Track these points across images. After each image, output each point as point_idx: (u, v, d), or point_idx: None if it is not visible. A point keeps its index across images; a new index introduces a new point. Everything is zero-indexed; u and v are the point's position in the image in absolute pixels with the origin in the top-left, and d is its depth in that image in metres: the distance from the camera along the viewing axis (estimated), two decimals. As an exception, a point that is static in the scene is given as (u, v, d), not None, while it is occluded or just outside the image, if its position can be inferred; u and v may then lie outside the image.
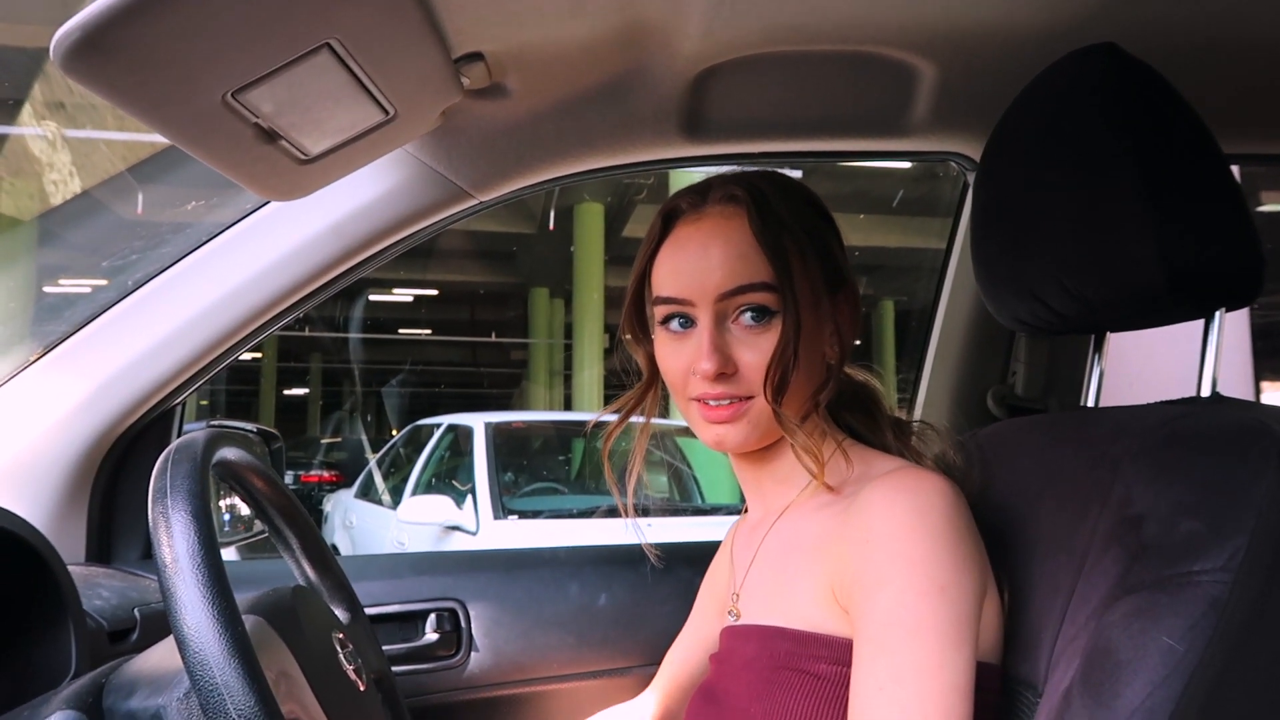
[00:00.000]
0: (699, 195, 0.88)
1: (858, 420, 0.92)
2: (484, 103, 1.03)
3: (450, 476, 5.79)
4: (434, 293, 16.96)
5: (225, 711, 0.53)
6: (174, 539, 0.58)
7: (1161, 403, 0.79)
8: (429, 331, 19.97)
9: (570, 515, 4.84)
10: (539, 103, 1.07)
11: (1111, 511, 0.70)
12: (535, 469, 5.66)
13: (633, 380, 0.97)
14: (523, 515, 4.86)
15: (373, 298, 16.23)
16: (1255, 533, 0.61)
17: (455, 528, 4.78)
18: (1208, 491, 0.65)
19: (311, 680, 0.71)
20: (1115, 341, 0.98)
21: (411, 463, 6.37)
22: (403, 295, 16.85)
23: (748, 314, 0.83)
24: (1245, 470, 0.64)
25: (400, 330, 19.41)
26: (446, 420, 6.42)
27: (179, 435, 1.24)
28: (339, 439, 16.39)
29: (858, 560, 0.75)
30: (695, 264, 0.84)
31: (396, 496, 6.03)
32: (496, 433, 5.53)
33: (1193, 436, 0.69)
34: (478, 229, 12.76)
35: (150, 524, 0.60)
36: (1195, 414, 0.72)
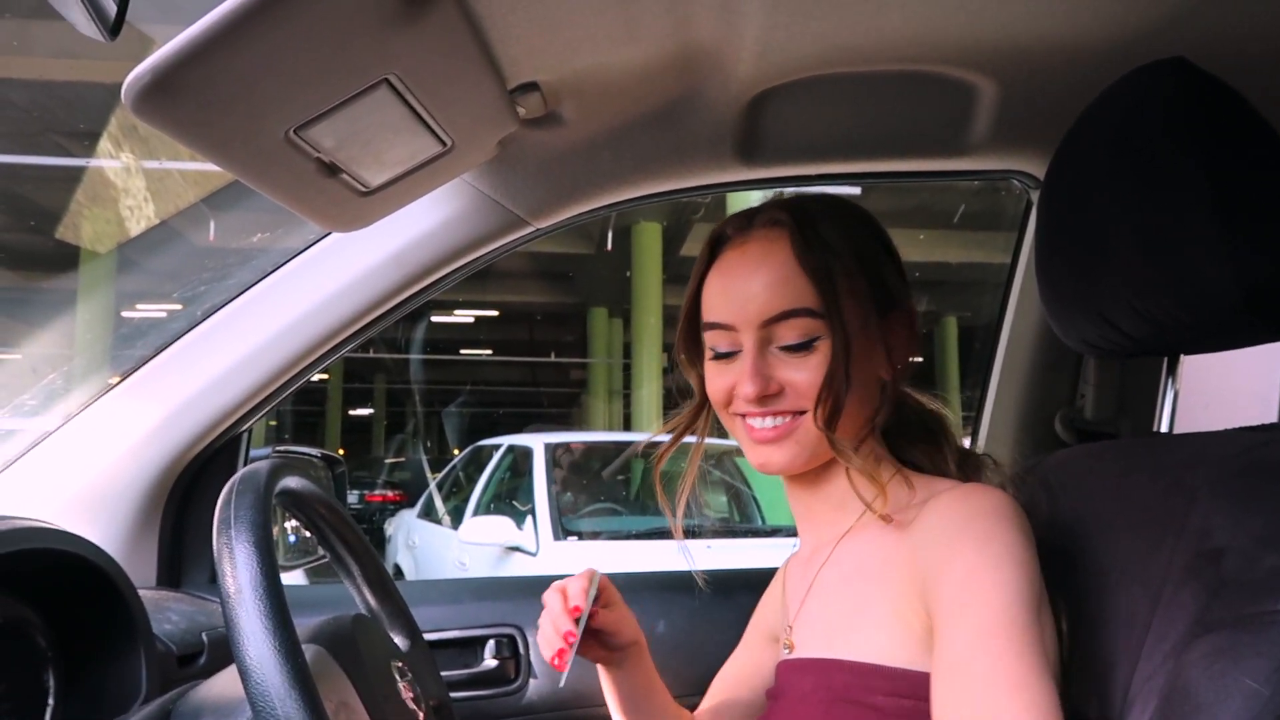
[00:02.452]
0: (745, 220, 0.88)
1: (921, 452, 0.90)
2: (540, 131, 1.04)
3: (510, 497, 5.83)
4: (494, 313, 17.16)
5: (286, 743, 0.54)
6: (237, 570, 0.59)
7: (1240, 429, 0.76)
8: (489, 352, 20.20)
9: (630, 536, 4.83)
10: (594, 130, 1.08)
11: (1188, 543, 0.67)
12: (595, 490, 5.67)
13: (687, 401, 0.97)
14: (582, 536, 4.87)
15: (434, 319, 16.49)
16: (1344, 568, 0.58)
17: (515, 548, 4.81)
18: None
19: (371, 710, 0.71)
20: (1190, 361, 0.94)
21: (472, 483, 6.44)
22: (464, 316, 17.09)
23: (790, 339, 0.83)
24: None
25: (461, 351, 19.68)
26: (506, 441, 6.47)
27: (246, 461, 1.27)
28: (402, 459, 16.64)
29: (928, 564, 0.74)
30: (739, 289, 0.85)
31: (458, 517, 6.09)
32: (556, 453, 5.56)
33: (1274, 466, 0.66)
34: (536, 250, 12.89)
35: (215, 554, 0.61)
36: (1276, 442, 0.69)
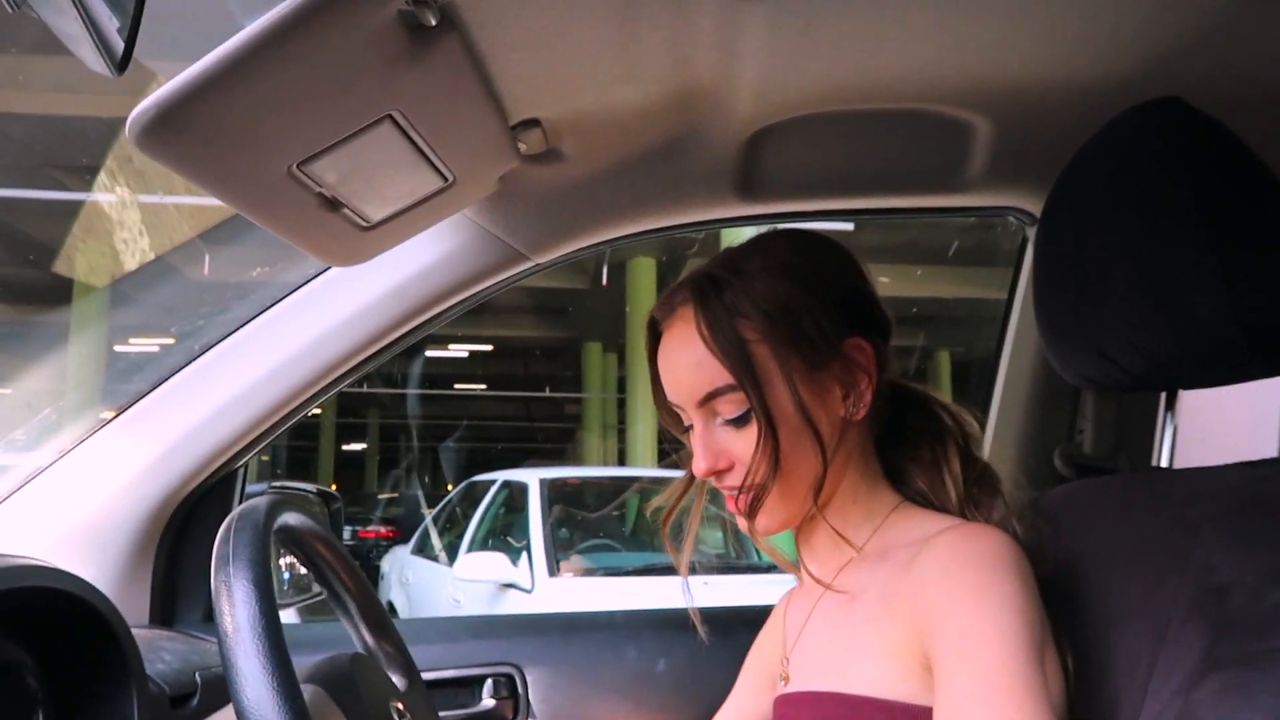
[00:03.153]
0: (667, 302, 0.89)
1: (923, 481, 0.89)
2: (540, 167, 1.04)
3: (505, 533, 5.79)
4: (489, 348, 17.16)
5: (284, 785, 0.53)
6: (235, 608, 0.58)
7: (1241, 464, 0.76)
8: (484, 386, 20.17)
9: (625, 572, 4.79)
10: (594, 166, 1.08)
11: (1192, 580, 0.67)
12: (590, 525, 5.63)
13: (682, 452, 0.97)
14: (578, 573, 4.83)
15: (429, 353, 16.48)
16: (1351, 604, 0.58)
17: (511, 585, 4.77)
18: None
19: (369, 751, 0.70)
20: (1186, 395, 0.94)
21: (467, 519, 6.40)
22: (458, 351, 17.08)
23: (729, 413, 0.84)
24: None
25: (456, 385, 19.64)
26: (501, 476, 6.44)
27: (242, 497, 1.26)
28: (396, 494, 16.54)
29: (925, 609, 0.74)
30: (672, 375, 0.87)
31: (452, 553, 6.05)
32: (551, 489, 5.53)
33: (1277, 502, 0.66)
34: (531, 285, 12.93)
35: (212, 592, 0.60)
36: (1278, 477, 0.69)
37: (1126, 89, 0.86)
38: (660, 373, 0.89)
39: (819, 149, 1.10)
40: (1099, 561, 0.80)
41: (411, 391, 16.85)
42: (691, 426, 0.87)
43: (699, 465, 0.85)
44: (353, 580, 0.90)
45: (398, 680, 0.93)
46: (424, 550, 7.07)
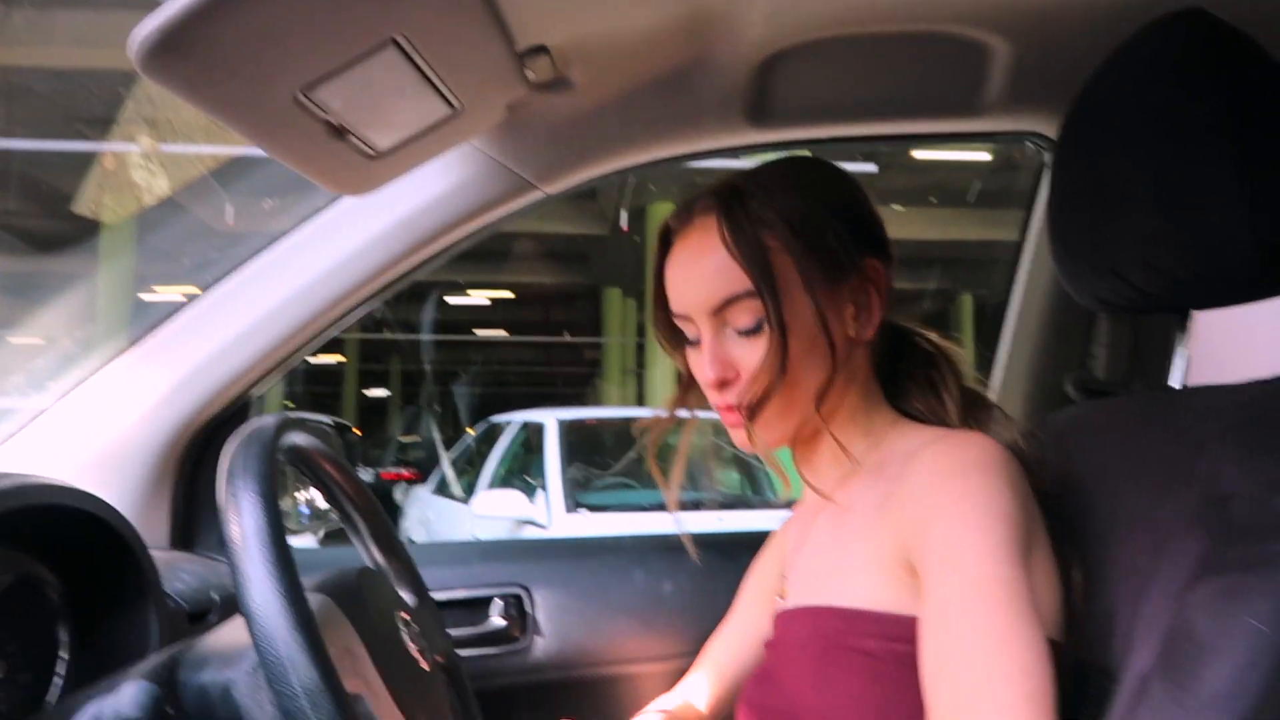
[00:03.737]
0: (685, 210, 0.88)
1: (920, 402, 0.90)
2: (549, 95, 1.03)
3: (523, 472, 5.87)
4: (509, 295, 17.17)
5: (290, 684, 0.54)
6: (242, 518, 0.59)
7: (1253, 381, 0.75)
8: (504, 332, 20.24)
9: (641, 509, 4.86)
10: (604, 94, 1.07)
11: (1196, 490, 0.66)
12: (607, 464, 5.69)
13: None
14: (594, 509, 4.90)
15: (450, 300, 16.52)
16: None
17: (528, 521, 4.85)
18: None
19: (375, 657, 0.72)
20: (1207, 323, 0.93)
21: (486, 459, 6.47)
22: (479, 298, 17.11)
23: (743, 323, 0.83)
24: None
25: (476, 331, 19.71)
26: (519, 417, 6.49)
27: (256, 425, 1.28)
28: (417, 438, 16.71)
29: (912, 518, 0.75)
30: (685, 282, 0.86)
31: (471, 492, 6.13)
32: (569, 429, 5.58)
33: (1286, 415, 0.65)
34: (551, 231, 12.88)
35: (220, 503, 0.61)
36: (1288, 392, 0.68)
37: (1149, 6, 0.84)
38: (670, 282, 0.88)
39: (832, 73, 1.08)
40: (1103, 477, 0.80)
41: (433, 338, 16.93)
42: (693, 342, 0.87)
43: (706, 374, 0.84)
44: (361, 499, 0.92)
45: (406, 596, 0.95)
46: (443, 490, 7.18)
